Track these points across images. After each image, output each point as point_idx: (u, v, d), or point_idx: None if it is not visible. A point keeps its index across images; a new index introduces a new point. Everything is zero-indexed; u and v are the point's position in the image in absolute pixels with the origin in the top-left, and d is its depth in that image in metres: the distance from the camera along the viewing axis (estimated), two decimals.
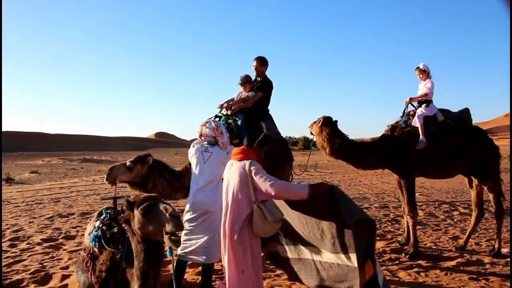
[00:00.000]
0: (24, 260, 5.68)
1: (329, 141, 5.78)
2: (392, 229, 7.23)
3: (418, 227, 7.31)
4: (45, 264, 5.48)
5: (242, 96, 5.93)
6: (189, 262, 4.45)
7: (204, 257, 4.15)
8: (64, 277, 4.86)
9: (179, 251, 4.22)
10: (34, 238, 6.92)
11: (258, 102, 5.88)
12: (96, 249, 3.75)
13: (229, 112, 5.78)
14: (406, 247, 5.87)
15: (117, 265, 3.52)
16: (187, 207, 4.32)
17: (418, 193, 11.86)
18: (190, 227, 4.21)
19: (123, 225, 3.29)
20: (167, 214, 2.93)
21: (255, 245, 3.50)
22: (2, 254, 6.05)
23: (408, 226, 5.95)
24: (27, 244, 6.58)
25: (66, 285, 4.66)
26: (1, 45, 3.55)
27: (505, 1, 1.71)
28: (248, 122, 5.62)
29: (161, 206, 3.03)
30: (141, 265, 3.25)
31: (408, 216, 5.74)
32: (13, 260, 5.68)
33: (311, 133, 6.07)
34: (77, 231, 7.44)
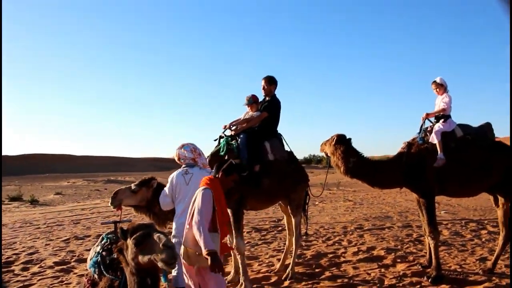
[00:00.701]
0: (33, 284, 5.63)
1: (344, 159, 5.61)
2: (415, 250, 6.88)
3: (442, 247, 6.98)
4: None
5: (247, 117, 5.82)
6: None
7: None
8: None
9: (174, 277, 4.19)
10: (47, 261, 6.88)
11: (264, 122, 5.73)
12: (96, 275, 3.65)
13: (232, 133, 5.66)
14: (428, 270, 5.53)
15: None
16: (173, 232, 4.31)
17: (443, 211, 11.41)
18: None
19: (117, 255, 3.16)
20: (161, 244, 2.80)
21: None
22: (13, 278, 6.02)
23: (430, 248, 5.62)
24: (39, 267, 6.54)
25: None
26: (1, 45, 3.54)
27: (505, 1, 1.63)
28: (249, 142, 5.46)
29: (155, 236, 2.89)
30: None
31: (429, 237, 5.42)
32: (22, 285, 5.62)
33: (325, 153, 5.89)
34: None
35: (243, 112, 6.00)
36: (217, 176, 3.64)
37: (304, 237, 6.41)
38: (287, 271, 5.61)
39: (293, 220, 5.86)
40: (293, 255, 5.75)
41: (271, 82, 5.79)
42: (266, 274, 5.75)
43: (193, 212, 3.41)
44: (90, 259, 3.74)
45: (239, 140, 5.52)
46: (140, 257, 2.91)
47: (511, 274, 5.28)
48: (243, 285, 5.20)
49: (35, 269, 6.48)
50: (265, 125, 5.75)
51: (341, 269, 5.94)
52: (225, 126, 5.73)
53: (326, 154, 5.91)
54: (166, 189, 4.58)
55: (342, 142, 5.66)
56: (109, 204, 4.63)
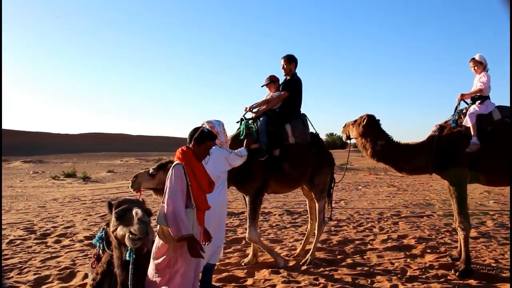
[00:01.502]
0: (60, 256, 5.85)
1: (372, 142, 5.31)
2: (449, 241, 6.44)
3: (481, 239, 6.53)
4: (76, 261, 5.57)
5: (268, 98, 5.62)
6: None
7: (209, 258, 4.12)
8: (86, 275, 4.87)
9: None
10: (79, 235, 7.14)
11: (286, 102, 5.51)
12: (100, 250, 3.70)
13: (253, 115, 5.49)
14: (457, 263, 5.15)
15: (113, 268, 3.41)
16: None
17: (492, 201, 10.69)
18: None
19: (106, 230, 3.19)
20: (136, 218, 2.80)
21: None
22: (44, 249, 6.30)
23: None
24: (70, 240, 6.81)
25: (85, 284, 4.66)
26: (1, 46, 3.58)
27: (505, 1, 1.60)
28: (270, 125, 5.27)
29: (134, 210, 2.89)
30: (118, 272, 3.12)
31: (459, 228, 5.03)
32: (50, 256, 5.87)
33: (347, 137, 5.60)
34: None
35: (265, 94, 5.81)
36: (189, 147, 3.46)
37: (329, 221, 6.18)
38: (307, 256, 5.44)
39: (316, 205, 5.66)
40: (314, 241, 5.56)
41: (290, 61, 5.53)
42: (285, 258, 5.61)
43: (166, 190, 3.27)
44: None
45: (259, 123, 5.35)
46: (118, 229, 2.93)
47: (511, 274, 4.83)
48: (276, 262, 5.21)
49: (66, 242, 6.76)
50: (286, 105, 5.53)
51: (365, 257, 5.68)
52: (246, 108, 5.57)
53: (348, 136, 5.61)
54: None
55: (372, 123, 5.36)
56: (129, 187, 4.68)
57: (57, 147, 61.22)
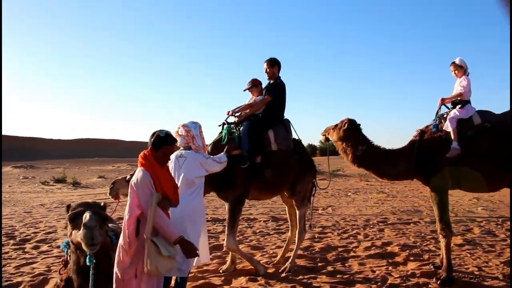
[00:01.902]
0: (36, 262, 5.70)
1: (353, 146, 5.23)
2: (434, 248, 6.35)
3: (466, 247, 6.46)
4: (52, 268, 5.43)
5: (251, 102, 5.52)
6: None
7: (179, 271, 3.88)
8: None
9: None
10: (58, 241, 6.99)
11: (269, 107, 5.42)
12: (68, 256, 3.60)
13: (236, 120, 5.39)
14: (439, 270, 5.06)
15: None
16: None
17: (481, 208, 10.64)
18: None
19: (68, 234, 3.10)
20: (82, 223, 2.73)
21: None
22: (21, 255, 6.15)
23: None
24: (48, 246, 6.67)
25: None
26: (1, 46, 3.50)
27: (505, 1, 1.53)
28: (252, 131, 5.16)
29: (84, 214, 2.81)
30: (74, 277, 3.04)
31: (440, 235, 4.94)
32: (25, 262, 5.73)
33: (326, 139, 5.52)
34: None
35: (248, 98, 5.72)
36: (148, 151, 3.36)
37: (312, 229, 6.07)
38: (286, 264, 5.34)
39: (297, 212, 5.56)
40: (294, 248, 5.45)
41: (273, 64, 5.44)
42: (265, 265, 5.49)
43: (136, 196, 3.17)
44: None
45: (241, 128, 5.24)
46: (72, 235, 2.87)
47: (511, 274, 4.78)
48: (256, 270, 5.11)
49: (44, 247, 6.62)
50: (270, 110, 5.44)
51: (346, 264, 5.57)
52: (229, 112, 5.47)
53: (327, 140, 5.53)
54: None
55: (353, 127, 5.28)
56: (108, 194, 4.59)
57: (50, 153, 60.83)
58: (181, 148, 4.31)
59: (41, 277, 4.97)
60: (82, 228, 2.76)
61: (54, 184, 21.45)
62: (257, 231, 7.97)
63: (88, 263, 2.88)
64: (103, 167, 39.95)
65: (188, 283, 4.76)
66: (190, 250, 3.21)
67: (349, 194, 15.25)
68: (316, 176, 5.90)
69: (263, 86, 5.63)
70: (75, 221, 2.90)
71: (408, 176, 5.24)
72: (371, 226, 8.23)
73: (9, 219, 9.78)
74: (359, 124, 5.35)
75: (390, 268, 5.35)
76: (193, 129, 4.32)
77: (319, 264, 5.58)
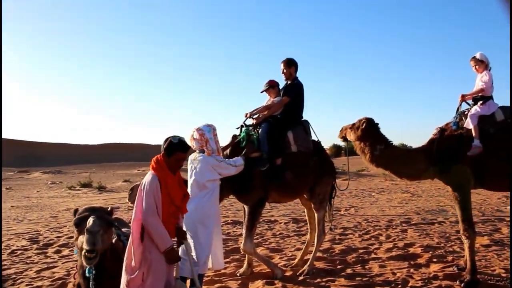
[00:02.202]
0: (56, 267, 5.79)
1: (371, 146, 5.10)
2: (458, 249, 6.13)
3: (494, 247, 6.21)
4: (71, 272, 5.47)
5: (269, 103, 5.46)
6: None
7: (192, 270, 3.84)
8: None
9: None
10: None
11: (287, 108, 5.32)
12: None
13: (254, 122, 5.32)
14: (463, 273, 4.88)
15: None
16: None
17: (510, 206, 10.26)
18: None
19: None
20: (85, 228, 2.74)
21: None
22: (43, 260, 6.27)
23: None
24: (69, 251, 6.76)
25: None
26: (1, 46, 3.57)
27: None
28: (271, 132, 5.07)
29: (88, 219, 2.82)
30: (80, 281, 3.06)
31: (463, 236, 4.76)
32: (46, 266, 5.83)
33: (343, 138, 5.41)
34: None
35: (265, 99, 5.66)
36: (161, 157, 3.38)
37: (333, 230, 5.95)
38: (304, 267, 5.25)
39: (315, 215, 5.47)
40: (313, 251, 5.36)
41: (290, 64, 5.36)
42: (283, 268, 5.42)
43: (138, 200, 3.23)
44: None
45: (260, 130, 5.17)
46: (78, 240, 2.89)
47: (511, 275, 4.63)
48: (273, 273, 5.02)
49: (65, 252, 6.72)
50: (288, 111, 5.34)
51: (366, 266, 5.44)
52: (247, 114, 5.41)
53: (345, 139, 5.42)
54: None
55: (371, 126, 5.16)
56: (127, 200, 4.65)
57: (77, 158, 62.21)
58: (197, 151, 4.31)
59: (60, 281, 5.05)
60: (85, 233, 2.77)
61: (80, 188, 21.88)
62: (277, 233, 7.90)
63: (88, 274, 2.90)
64: (128, 171, 40.54)
65: (204, 286, 4.74)
66: (174, 258, 3.29)
67: (373, 194, 14.99)
68: (336, 177, 5.80)
69: (280, 87, 5.56)
70: (80, 226, 2.92)
71: (428, 176, 5.08)
72: (394, 227, 8.04)
73: (35, 224, 10.01)
74: (377, 123, 5.22)
75: (411, 270, 5.20)
76: (207, 133, 4.32)
77: (338, 266, 5.47)
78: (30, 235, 8.30)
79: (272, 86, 5.42)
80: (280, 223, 8.93)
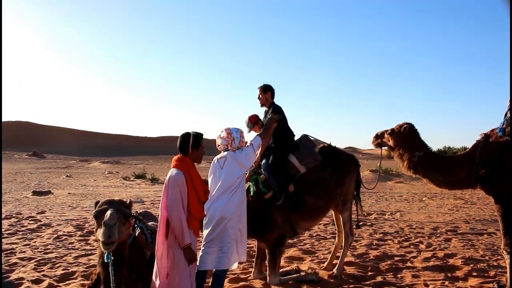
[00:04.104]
0: (93, 254, 6.06)
1: (410, 152, 4.87)
2: (504, 264, 5.70)
3: None
4: None
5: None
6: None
7: (215, 264, 3.96)
8: None
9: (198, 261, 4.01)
10: None
11: (277, 135, 5.01)
12: None
13: (254, 165, 5.00)
14: None
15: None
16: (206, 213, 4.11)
17: None
18: (206, 236, 4.02)
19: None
20: (103, 221, 2.81)
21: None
22: (83, 246, 6.58)
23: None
24: None
25: None
26: (1, 45, 3.76)
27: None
28: (272, 164, 4.89)
29: (106, 212, 2.90)
30: (99, 270, 3.16)
31: (504, 251, 4.44)
32: (84, 253, 6.13)
33: (378, 144, 5.19)
34: None
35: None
36: (187, 155, 3.58)
37: (355, 228, 5.67)
38: (333, 270, 5.13)
39: (340, 216, 5.32)
40: (341, 254, 5.22)
41: (266, 90, 5.12)
42: (315, 271, 5.31)
43: (167, 195, 3.37)
44: None
45: (262, 168, 4.97)
46: (97, 231, 2.98)
47: (511, 275, 4.31)
48: (311, 281, 4.91)
49: None
50: (279, 137, 5.06)
51: (399, 275, 5.21)
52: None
53: (379, 146, 5.20)
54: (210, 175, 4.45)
55: (412, 132, 4.93)
56: None
57: (136, 149, 64.83)
58: (222, 151, 4.34)
59: (93, 268, 5.25)
60: (102, 225, 2.86)
61: (134, 179, 22.80)
62: (314, 234, 7.78)
63: (106, 260, 2.99)
64: None
65: (228, 284, 4.77)
66: (190, 259, 3.44)
67: (424, 199, 14.38)
68: (359, 171, 5.54)
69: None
70: (99, 218, 3.02)
71: (468, 185, 4.76)
72: (438, 235, 7.65)
73: (86, 212, 10.55)
74: (417, 129, 4.98)
75: (446, 283, 4.91)
76: (234, 133, 4.32)
77: (369, 273, 5.29)
78: (78, 222, 8.76)
79: (255, 123, 5.12)
80: (320, 224, 8.76)
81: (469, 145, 4.86)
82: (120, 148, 64.05)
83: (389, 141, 5.08)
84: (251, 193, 4.77)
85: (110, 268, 2.99)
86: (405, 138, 4.90)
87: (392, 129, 5.07)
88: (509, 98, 4.62)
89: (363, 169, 26.67)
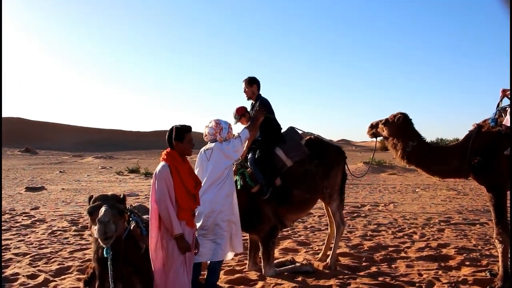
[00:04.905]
0: (88, 249, 6.03)
1: (403, 142, 4.90)
2: (496, 253, 5.78)
3: None
4: None
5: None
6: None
7: (210, 256, 4.02)
8: None
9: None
10: None
11: (264, 128, 4.99)
12: None
13: (241, 158, 4.98)
14: (495, 279, 4.61)
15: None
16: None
17: None
18: (199, 229, 4.03)
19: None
20: (97, 218, 2.80)
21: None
22: (78, 241, 6.57)
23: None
24: None
25: None
26: (1, 45, 3.72)
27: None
28: (258, 159, 4.87)
29: (100, 209, 2.88)
30: (94, 266, 3.16)
31: (496, 240, 4.50)
32: (79, 248, 6.12)
33: (373, 134, 5.21)
34: None
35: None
36: (173, 148, 3.59)
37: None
38: (327, 260, 5.17)
39: (329, 208, 5.35)
40: (334, 244, 5.26)
41: (251, 83, 5.08)
42: (310, 263, 5.35)
43: (152, 189, 3.42)
44: None
45: (248, 162, 4.96)
46: (92, 228, 2.97)
47: (503, 264, 4.37)
48: (307, 272, 4.93)
49: None
50: (266, 130, 5.04)
51: (393, 265, 5.27)
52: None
53: (374, 136, 5.22)
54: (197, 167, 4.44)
55: (406, 122, 4.96)
56: None
57: (129, 144, 64.58)
58: (209, 142, 4.33)
59: (89, 262, 5.25)
60: (97, 222, 2.85)
61: (128, 174, 22.69)
62: (309, 226, 7.83)
63: (105, 255, 2.98)
64: None
65: (224, 276, 4.80)
66: (183, 248, 3.46)
67: (417, 190, 14.47)
68: (345, 163, 5.51)
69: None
70: (93, 214, 3.00)
71: (461, 174, 4.80)
72: (431, 226, 7.72)
73: (80, 207, 10.50)
74: (411, 119, 5.01)
75: (440, 272, 4.97)
76: (223, 123, 4.32)
77: (364, 264, 5.33)
78: (72, 217, 8.73)
79: (243, 114, 5.09)
80: (314, 216, 8.82)
81: (462, 137, 4.91)
82: (113, 143, 63.72)
83: (383, 131, 5.10)
84: (238, 187, 4.71)
85: (109, 263, 2.99)
86: (399, 128, 4.93)
87: (386, 119, 5.09)
88: (502, 89, 4.67)
89: (357, 161, 26.81)
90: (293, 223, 5.72)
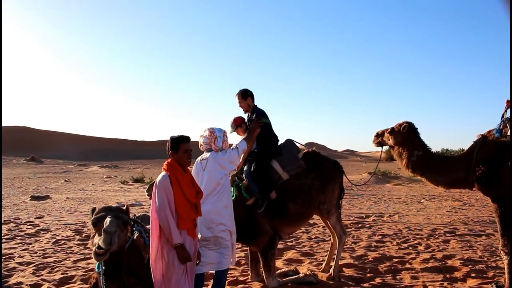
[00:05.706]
0: (92, 258, 6.04)
1: (409, 151, 4.90)
2: (502, 265, 5.70)
3: None
4: None
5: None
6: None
7: (215, 266, 4.01)
8: None
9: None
10: None
11: (261, 140, 4.98)
12: None
13: (236, 170, 4.97)
14: None
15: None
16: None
17: None
18: (200, 240, 3.99)
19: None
20: (102, 228, 2.80)
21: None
22: (82, 251, 6.57)
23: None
24: None
25: None
26: (1, 44, 3.77)
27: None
28: (254, 171, 4.84)
29: (105, 219, 2.88)
30: (96, 276, 3.16)
31: (502, 252, 4.46)
32: (83, 257, 6.13)
33: (378, 143, 5.21)
34: None
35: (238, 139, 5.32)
36: (170, 158, 3.58)
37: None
38: (330, 271, 5.14)
39: (328, 222, 5.33)
40: (336, 255, 5.21)
41: (245, 96, 5.04)
42: (314, 273, 5.31)
43: (152, 199, 3.41)
44: None
45: (244, 174, 4.94)
46: (94, 238, 2.96)
47: (509, 276, 4.32)
48: (311, 283, 4.91)
49: None
50: (263, 142, 5.01)
51: (397, 277, 5.23)
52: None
53: (380, 145, 5.22)
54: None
55: (412, 131, 4.96)
56: (146, 195, 4.78)
57: (134, 153, 64.73)
58: (205, 151, 4.30)
59: (92, 272, 5.25)
60: (102, 233, 2.84)
61: (133, 183, 22.74)
62: (313, 236, 7.79)
63: (97, 270, 3.00)
64: None
65: (228, 286, 4.77)
66: (183, 258, 3.41)
67: (422, 200, 14.39)
68: (342, 176, 5.45)
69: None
70: (97, 225, 3.00)
71: (466, 185, 4.78)
72: (436, 237, 7.66)
73: (84, 216, 10.52)
74: (417, 128, 5.01)
75: (445, 284, 4.93)
76: (217, 132, 4.29)
77: (368, 275, 5.29)
78: (76, 226, 8.75)
79: (239, 125, 5.08)
80: (319, 226, 8.77)
81: (467, 147, 4.90)
82: (118, 152, 63.92)
83: (389, 140, 5.11)
84: (233, 198, 4.66)
85: (101, 278, 3.00)
86: (405, 137, 4.93)
87: (392, 128, 5.10)
88: (506, 100, 4.66)
89: (361, 171, 26.74)
90: (288, 236, 5.64)
